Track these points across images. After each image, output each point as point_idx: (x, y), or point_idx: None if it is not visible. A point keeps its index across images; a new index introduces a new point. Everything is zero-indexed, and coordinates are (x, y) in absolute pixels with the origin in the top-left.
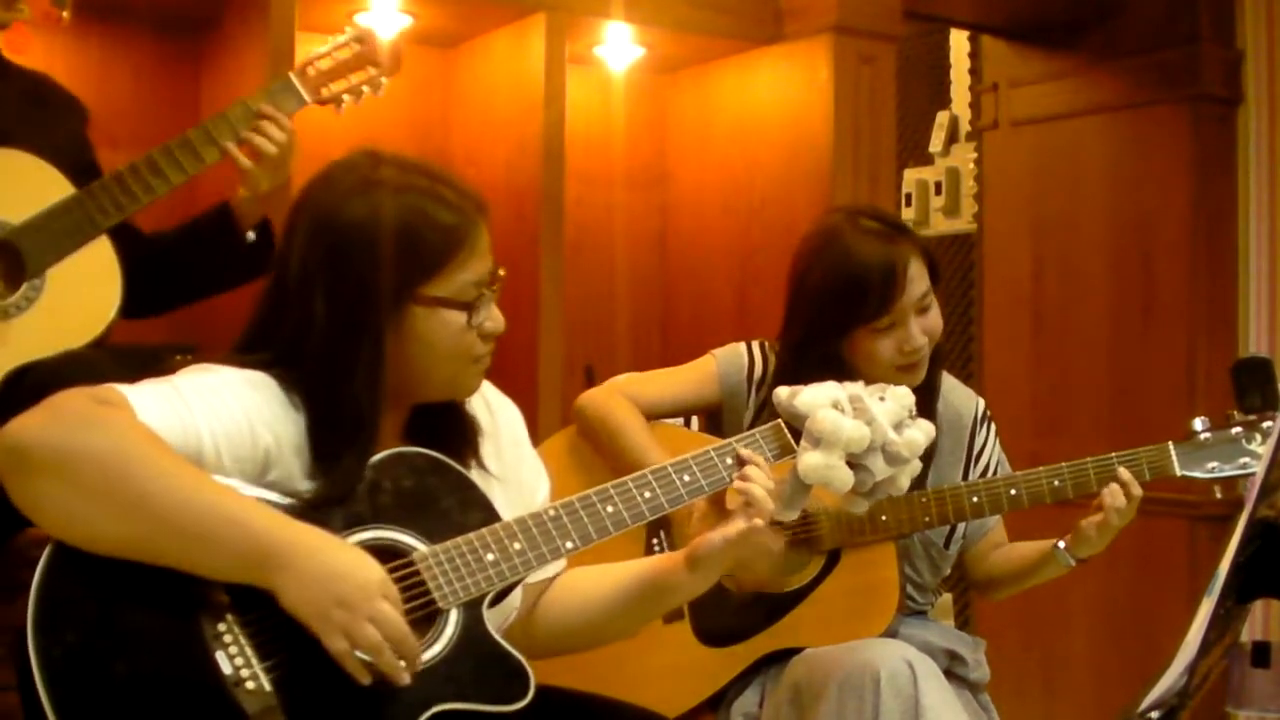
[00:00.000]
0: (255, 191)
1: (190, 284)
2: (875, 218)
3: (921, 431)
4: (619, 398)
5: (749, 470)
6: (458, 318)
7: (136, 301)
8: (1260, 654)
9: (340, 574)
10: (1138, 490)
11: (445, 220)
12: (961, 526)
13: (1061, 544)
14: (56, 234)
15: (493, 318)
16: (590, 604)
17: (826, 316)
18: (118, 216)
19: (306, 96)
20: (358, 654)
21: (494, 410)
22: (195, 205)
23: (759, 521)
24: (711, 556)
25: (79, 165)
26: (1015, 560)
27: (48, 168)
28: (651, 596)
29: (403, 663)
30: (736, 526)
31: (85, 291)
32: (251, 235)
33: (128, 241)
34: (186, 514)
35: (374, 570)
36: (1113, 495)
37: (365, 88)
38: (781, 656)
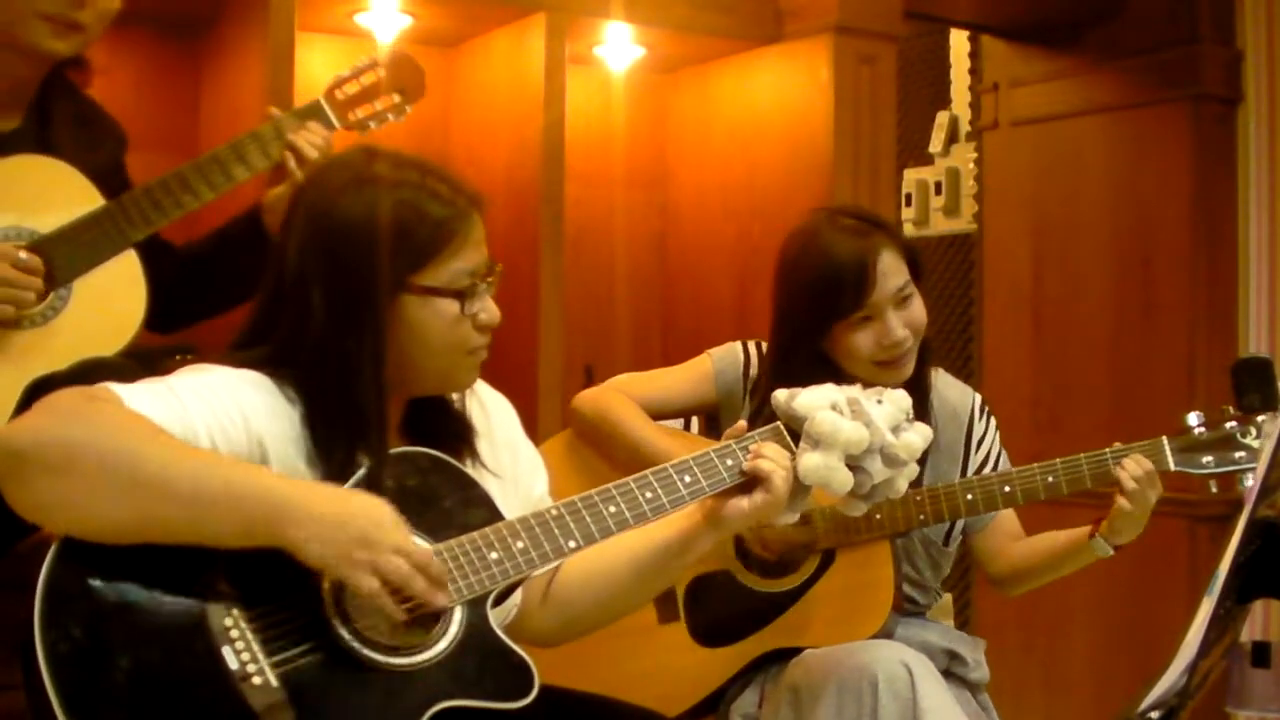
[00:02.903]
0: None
1: (222, 291)
2: (852, 215)
3: (918, 434)
4: (616, 393)
5: (765, 448)
6: (451, 307)
7: (171, 314)
8: (1260, 654)
9: (354, 514)
10: (1149, 465)
11: (436, 212)
12: (960, 522)
13: (1098, 534)
14: (85, 245)
15: (487, 310)
16: (603, 573)
17: (805, 314)
18: (146, 230)
19: (335, 121)
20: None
21: (487, 408)
22: (198, 225)
23: (771, 497)
24: (731, 519)
25: (114, 190)
26: (1043, 551)
27: (80, 178)
28: (672, 556)
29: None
30: (762, 496)
31: (111, 303)
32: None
33: (159, 254)
34: (190, 485)
35: (385, 508)
36: (1128, 476)
37: (390, 115)
38: (779, 656)
